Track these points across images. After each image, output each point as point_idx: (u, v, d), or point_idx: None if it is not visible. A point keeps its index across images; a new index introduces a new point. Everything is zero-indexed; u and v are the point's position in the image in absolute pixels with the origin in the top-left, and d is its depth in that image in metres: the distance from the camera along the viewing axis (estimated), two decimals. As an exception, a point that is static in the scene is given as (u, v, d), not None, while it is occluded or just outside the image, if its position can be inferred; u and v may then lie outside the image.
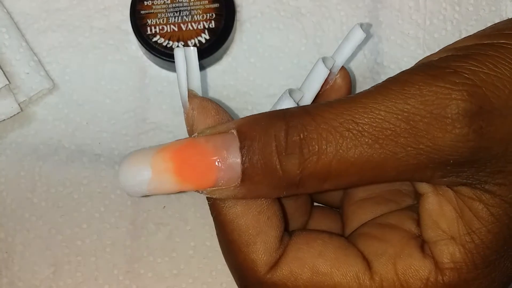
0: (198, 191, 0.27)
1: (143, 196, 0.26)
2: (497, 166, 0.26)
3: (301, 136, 0.25)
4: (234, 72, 0.40)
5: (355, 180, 0.26)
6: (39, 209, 0.39)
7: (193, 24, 0.38)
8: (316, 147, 0.25)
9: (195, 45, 0.38)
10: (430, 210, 0.28)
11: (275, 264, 0.28)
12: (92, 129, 0.39)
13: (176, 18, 0.38)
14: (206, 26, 0.38)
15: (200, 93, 0.29)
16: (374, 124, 0.25)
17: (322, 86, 0.34)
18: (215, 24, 0.38)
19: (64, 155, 0.39)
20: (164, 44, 0.38)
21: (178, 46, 0.27)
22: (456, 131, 0.25)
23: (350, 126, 0.25)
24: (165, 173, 0.26)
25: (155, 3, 0.38)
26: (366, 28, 0.39)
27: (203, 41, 0.38)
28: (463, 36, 0.39)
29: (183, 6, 0.38)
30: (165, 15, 0.38)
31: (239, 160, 0.26)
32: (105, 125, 0.39)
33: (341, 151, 0.25)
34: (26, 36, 0.39)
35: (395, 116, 0.25)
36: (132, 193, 0.26)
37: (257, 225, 0.27)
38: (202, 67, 0.39)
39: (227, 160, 0.26)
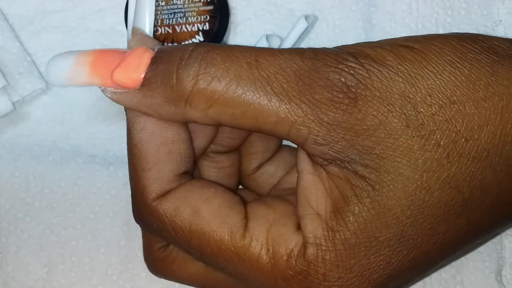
0: (104, 93, 0.29)
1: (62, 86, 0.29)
2: (366, 146, 0.27)
3: (204, 53, 0.28)
4: (228, 73, 0.40)
5: (238, 115, 0.27)
6: (33, 210, 0.39)
7: (187, 26, 0.38)
8: (213, 69, 0.27)
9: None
10: (304, 187, 0.29)
11: (163, 195, 0.30)
12: (87, 130, 0.40)
13: (171, 20, 0.38)
14: (200, 28, 0.38)
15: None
16: (271, 67, 0.27)
17: None
18: (209, 26, 0.38)
19: (59, 155, 0.39)
20: (159, 45, 0.38)
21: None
22: (333, 92, 0.27)
23: (251, 62, 0.27)
24: (83, 65, 0.28)
25: (149, 5, 0.38)
26: (313, 20, 0.40)
27: (198, 43, 0.38)
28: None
29: (177, 8, 0.38)
30: (159, 17, 0.38)
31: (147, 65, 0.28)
32: (100, 126, 0.40)
33: (234, 79, 0.27)
34: (21, 38, 0.40)
35: (290, 66, 0.27)
36: (52, 80, 0.29)
37: (156, 154, 0.29)
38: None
39: None
